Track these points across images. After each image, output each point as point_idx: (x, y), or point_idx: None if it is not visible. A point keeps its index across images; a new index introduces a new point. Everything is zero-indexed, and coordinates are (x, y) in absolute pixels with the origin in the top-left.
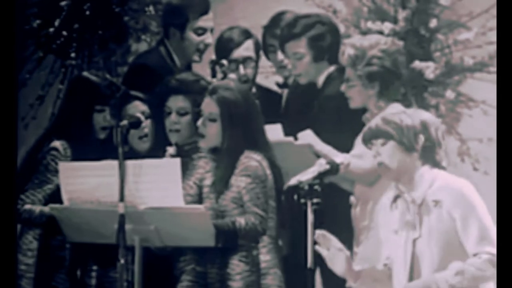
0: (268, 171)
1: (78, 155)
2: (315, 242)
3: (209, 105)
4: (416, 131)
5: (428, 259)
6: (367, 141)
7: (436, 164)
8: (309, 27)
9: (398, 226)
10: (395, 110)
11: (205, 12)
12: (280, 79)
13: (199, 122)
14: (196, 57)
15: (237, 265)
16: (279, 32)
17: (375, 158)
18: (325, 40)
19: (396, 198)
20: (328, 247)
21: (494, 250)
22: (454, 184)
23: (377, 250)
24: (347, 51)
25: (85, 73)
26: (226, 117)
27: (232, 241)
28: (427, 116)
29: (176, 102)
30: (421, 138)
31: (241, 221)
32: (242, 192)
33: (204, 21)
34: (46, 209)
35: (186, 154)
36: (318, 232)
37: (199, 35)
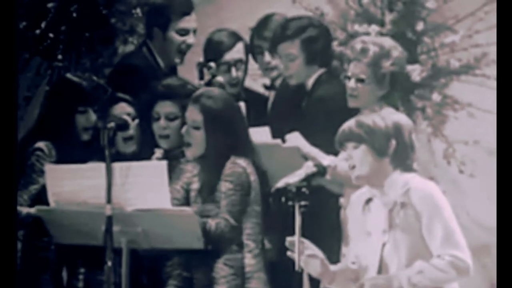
0: (253, 177)
1: (63, 156)
2: (287, 248)
3: (192, 113)
4: (388, 135)
5: (396, 262)
6: (340, 144)
7: (408, 168)
8: (303, 30)
9: (371, 228)
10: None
11: (187, 12)
12: (267, 81)
13: (183, 130)
14: (177, 58)
15: (221, 269)
16: (272, 32)
17: (347, 161)
18: (317, 43)
19: (368, 201)
20: (301, 251)
21: (458, 253)
22: (421, 186)
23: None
24: (371, 48)
25: (68, 75)
26: (209, 125)
27: (220, 244)
28: (401, 118)
29: (164, 108)
30: (393, 143)
31: (211, 223)
32: (222, 197)
33: (186, 22)
34: (33, 210)
35: (173, 158)
36: (289, 239)
37: (181, 35)
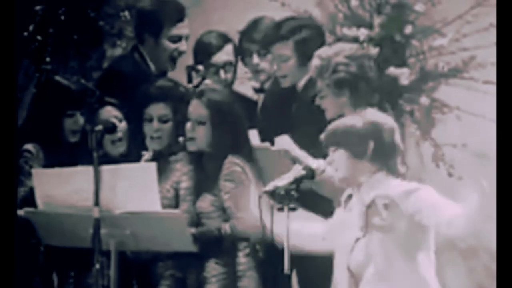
0: (251, 176)
1: (51, 158)
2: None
3: (197, 108)
4: (365, 136)
5: (368, 263)
6: (325, 148)
7: (392, 170)
8: (297, 30)
9: (348, 222)
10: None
11: (180, 19)
12: (256, 84)
13: (188, 126)
14: (169, 65)
15: (213, 268)
16: (261, 35)
17: (330, 165)
18: (311, 44)
19: (348, 197)
20: None
21: None
22: (409, 188)
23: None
24: (314, 62)
25: (57, 77)
26: (215, 119)
27: (212, 245)
28: (381, 117)
29: (157, 110)
30: (371, 144)
31: (226, 227)
32: (225, 197)
33: (179, 29)
34: (21, 212)
35: (163, 158)
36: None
37: (174, 42)
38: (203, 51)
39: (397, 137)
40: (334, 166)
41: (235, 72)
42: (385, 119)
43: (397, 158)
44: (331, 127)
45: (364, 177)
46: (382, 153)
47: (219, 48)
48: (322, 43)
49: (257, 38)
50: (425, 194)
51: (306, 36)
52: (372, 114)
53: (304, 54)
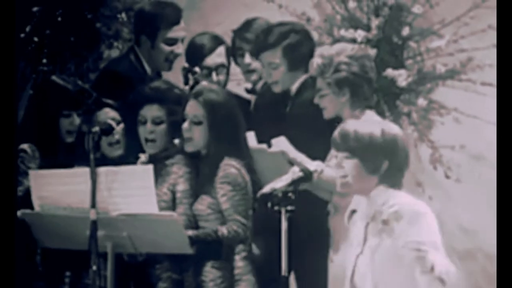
0: (247, 178)
1: (47, 158)
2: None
3: (194, 108)
4: (383, 154)
5: (367, 278)
6: (336, 148)
7: (395, 185)
8: (284, 36)
9: (353, 239)
10: (370, 119)
11: (176, 22)
12: (248, 85)
13: (185, 125)
14: (165, 67)
15: (210, 272)
16: (254, 35)
17: (337, 169)
18: (300, 49)
19: (352, 212)
20: None
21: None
22: (407, 205)
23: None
24: (315, 61)
25: (54, 77)
26: (211, 119)
27: (209, 248)
28: (398, 132)
29: (151, 111)
30: (386, 163)
31: (223, 230)
32: (221, 200)
33: (175, 32)
34: (18, 214)
35: (159, 161)
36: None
37: (170, 45)
38: (196, 53)
39: (409, 154)
40: (341, 171)
41: (227, 74)
42: (401, 133)
43: (404, 175)
44: (347, 129)
45: (368, 189)
46: (393, 172)
47: (212, 50)
48: (311, 47)
49: (249, 37)
50: (426, 225)
51: (294, 41)
52: (388, 126)
53: (293, 60)
